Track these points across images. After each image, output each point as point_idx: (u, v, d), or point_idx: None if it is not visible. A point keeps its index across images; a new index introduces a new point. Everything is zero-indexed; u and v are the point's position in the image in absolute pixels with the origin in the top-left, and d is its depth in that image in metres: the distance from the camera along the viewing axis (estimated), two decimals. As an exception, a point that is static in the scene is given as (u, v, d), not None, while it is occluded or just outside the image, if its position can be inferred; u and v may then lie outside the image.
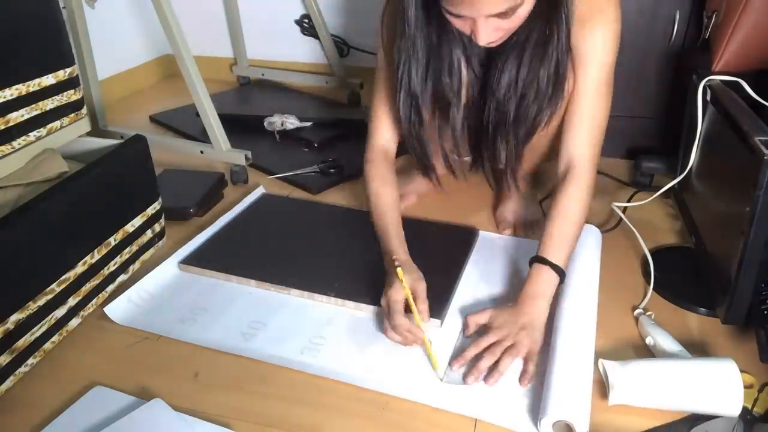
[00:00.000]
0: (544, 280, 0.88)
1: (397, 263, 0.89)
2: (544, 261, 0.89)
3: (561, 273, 0.89)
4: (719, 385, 0.72)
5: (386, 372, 0.82)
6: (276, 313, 0.95)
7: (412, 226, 1.18)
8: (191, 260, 1.07)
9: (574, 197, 0.93)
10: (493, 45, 0.87)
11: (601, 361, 0.78)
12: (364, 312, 0.95)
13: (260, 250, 1.10)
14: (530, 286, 0.88)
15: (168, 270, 1.05)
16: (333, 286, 0.98)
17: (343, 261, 1.06)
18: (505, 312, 0.87)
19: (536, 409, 0.74)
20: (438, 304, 0.93)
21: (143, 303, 0.97)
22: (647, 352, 0.85)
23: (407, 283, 0.87)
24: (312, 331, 0.91)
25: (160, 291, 1.00)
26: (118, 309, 0.95)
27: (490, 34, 0.82)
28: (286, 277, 1.01)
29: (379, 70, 1.07)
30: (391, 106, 1.05)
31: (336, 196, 1.33)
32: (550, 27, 0.87)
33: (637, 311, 0.93)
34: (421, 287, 0.90)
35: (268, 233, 1.16)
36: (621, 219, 1.13)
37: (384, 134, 1.09)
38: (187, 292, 1.00)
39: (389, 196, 1.05)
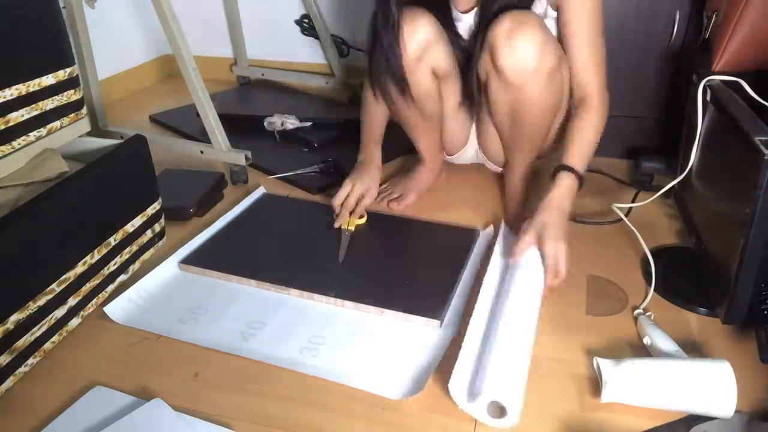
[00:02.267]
0: (565, 186, 0.99)
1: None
2: (566, 168, 1.00)
3: (581, 180, 1.01)
4: (713, 385, 0.72)
5: (385, 373, 0.83)
6: (275, 313, 0.95)
7: (412, 226, 1.19)
8: (191, 260, 1.07)
9: (589, 123, 1.04)
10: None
11: (595, 358, 0.78)
12: (364, 312, 0.95)
13: (260, 250, 1.10)
14: (554, 192, 0.99)
15: (168, 270, 1.05)
16: (333, 286, 0.98)
17: (343, 261, 1.06)
18: (535, 227, 0.96)
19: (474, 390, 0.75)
20: (438, 305, 0.93)
21: (143, 303, 0.97)
22: (644, 352, 0.85)
23: (358, 189, 1.18)
24: (312, 331, 0.91)
25: (160, 291, 1.00)
26: (118, 309, 0.95)
27: None
28: (286, 277, 1.01)
29: None
30: None
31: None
32: None
33: (636, 311, 0.93)
34: (371, 192, 1.19)
35: (268, 233, 1.16)
36: (621, 219, 1.13)
37: None
38: (187, 292, 1.00)
39: (380, 108, 1.24)
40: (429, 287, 0.98)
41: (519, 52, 0.98)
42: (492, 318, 0.87)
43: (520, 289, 0.88)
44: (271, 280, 1.01)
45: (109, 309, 0.94)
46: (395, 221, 1.21)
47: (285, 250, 1.11)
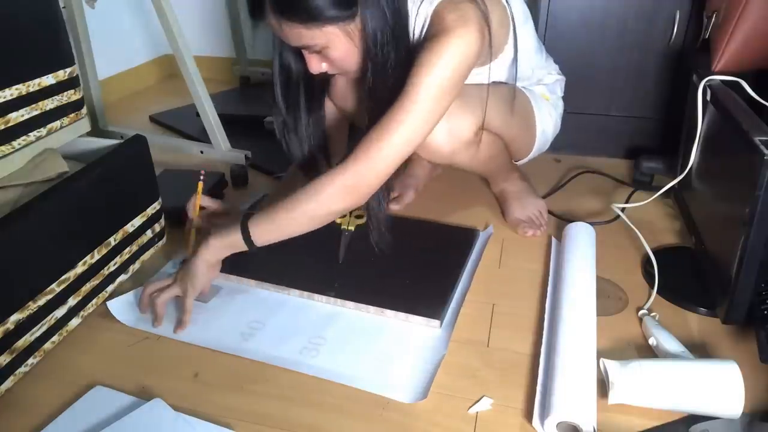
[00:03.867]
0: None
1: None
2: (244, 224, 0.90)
3: (249, 244, 0.91)
4: (720, 386, 0.72)
5: (385, 374, 0.83)
6: (275, 313, 0.95)
7: (412, 226, 1.19)
8: (191, 260, 1.07)
9: (318, 183, 0.86)
10: (331, 73, 0.94)
11: (602, 360, 0.78)
12: (364, 312, 0.95)
13: (260, 251, 1.10)
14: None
15: (168, 270, 1.05)
16: (333, 286, 0.98)
17: (343, 261, 1.06)
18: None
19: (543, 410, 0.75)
20: (437, 305, 0.93)
21: (143, 303, 0.97)
22: (650, 352, 0.85)
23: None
24: (311, 331, 0.91)
25: (160, 291, 1.00)
26: (119, 308, 0.95)
27: (315, 65, 0.90)
28: (286, 277, 1.01)
29: None
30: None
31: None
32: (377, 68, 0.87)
33: (641, 312, 0.93)
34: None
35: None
36: (618, 216, 1.13)
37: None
38: (187, 292, 1.00)
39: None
40: (429, 287, 0.98)
41: (427, 150, 0.98)
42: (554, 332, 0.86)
43: (576, 303, 0.89)
44: (271, 280, 1.01)
45: (111, 304, 0.94)
46: (395, 221, 1.20)
47: (285, 250, 1.10)
